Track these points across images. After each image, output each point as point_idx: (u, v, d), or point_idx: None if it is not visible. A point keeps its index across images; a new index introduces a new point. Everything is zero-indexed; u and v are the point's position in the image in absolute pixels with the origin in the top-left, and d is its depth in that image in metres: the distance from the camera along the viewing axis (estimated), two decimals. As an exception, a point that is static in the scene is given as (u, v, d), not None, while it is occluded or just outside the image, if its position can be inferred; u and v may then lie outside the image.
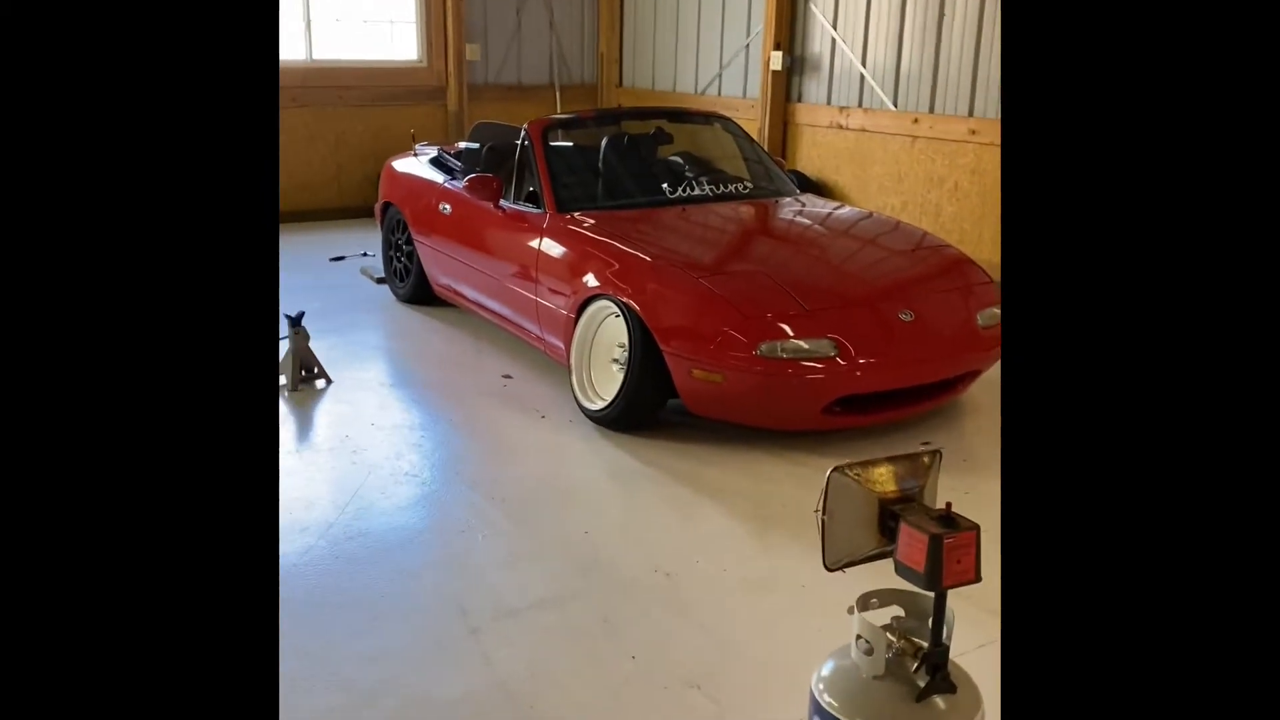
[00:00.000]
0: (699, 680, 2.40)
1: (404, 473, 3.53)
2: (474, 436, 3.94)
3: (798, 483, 3.50)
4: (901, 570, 1.75)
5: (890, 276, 4.05)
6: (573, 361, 4.06)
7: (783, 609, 2.72)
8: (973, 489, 3.41)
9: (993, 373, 4.14)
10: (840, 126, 6.92)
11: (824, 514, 1.82)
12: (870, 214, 4.81)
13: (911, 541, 1.72)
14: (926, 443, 3.83)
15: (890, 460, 1.85)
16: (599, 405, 3.92)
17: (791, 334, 3.56)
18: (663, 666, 2.45)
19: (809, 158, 7.20)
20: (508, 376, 4.52)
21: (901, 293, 3.87)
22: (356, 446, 3.72)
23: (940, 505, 1.80)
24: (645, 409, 3.84)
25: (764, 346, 3.52)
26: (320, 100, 7.71)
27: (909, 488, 1.84)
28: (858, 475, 1.82)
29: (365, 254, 6.66)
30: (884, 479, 1.84)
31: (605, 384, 3.98)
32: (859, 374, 3.57)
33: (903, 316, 3.72)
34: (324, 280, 6.02)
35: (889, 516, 1.81)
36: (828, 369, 3.54)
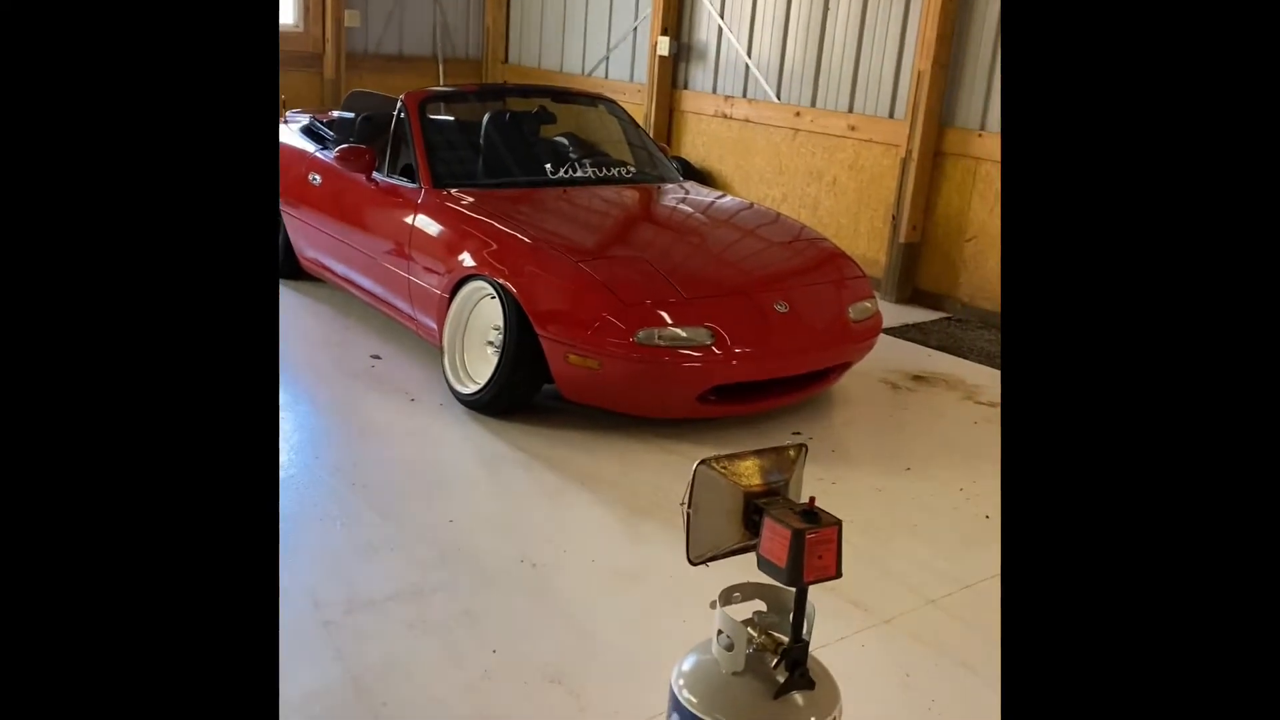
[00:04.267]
0: (560, 674, 2.34)
1: (259, 456, 3.34)
2: (338, 419, 3.77)
3: (669, 471, 3.48)
4: (764, 565, 1.73)
5: (767, 268, 4.07)
6: (445, 343, 3.93)
7: (650, 601, 2.69)
8: (840, 480, 3.46)
9: (862, 364, 4.22)
10: (725, 115, 6.94)
11: (689, 507, 1.79)
12: (751, 205, 4.83)
13: (774, 536, 1.70)
14: (797, 432, 3.87)
15: (756, 454, 1.83)
16: (471, 389, 3.81)
17: (670, 322, 3.53)
18: (524, 660, 2.39)
19: (693, 145, 7.20)
20: (376, 357, 4.36)
21: (778, 284, 3.89)
22: (208, 427, 3.51)
23: (806, 498, 1.79)
24: (519, 394, 3.75)
25: (642, 334, 3.48)
26: (184, 58, 7.26)
27: (775, 481, 1.83)
28: (724, 468, 1.79)
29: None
30: (749, 472, 1.82)
31: (478, 367, 3.87)
32: (734, 363, 3.57)
33: (778, 308, 3.74)
34: (183, 250, 5.68)
35: (754, 510, 1.79)
36: (704, 358, 3.53)
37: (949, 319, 5.61)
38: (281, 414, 3.70)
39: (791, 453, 1.85)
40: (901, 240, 5.85)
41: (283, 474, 3.24)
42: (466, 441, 3.64)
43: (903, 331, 5.24)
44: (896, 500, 3.39)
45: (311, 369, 4.22)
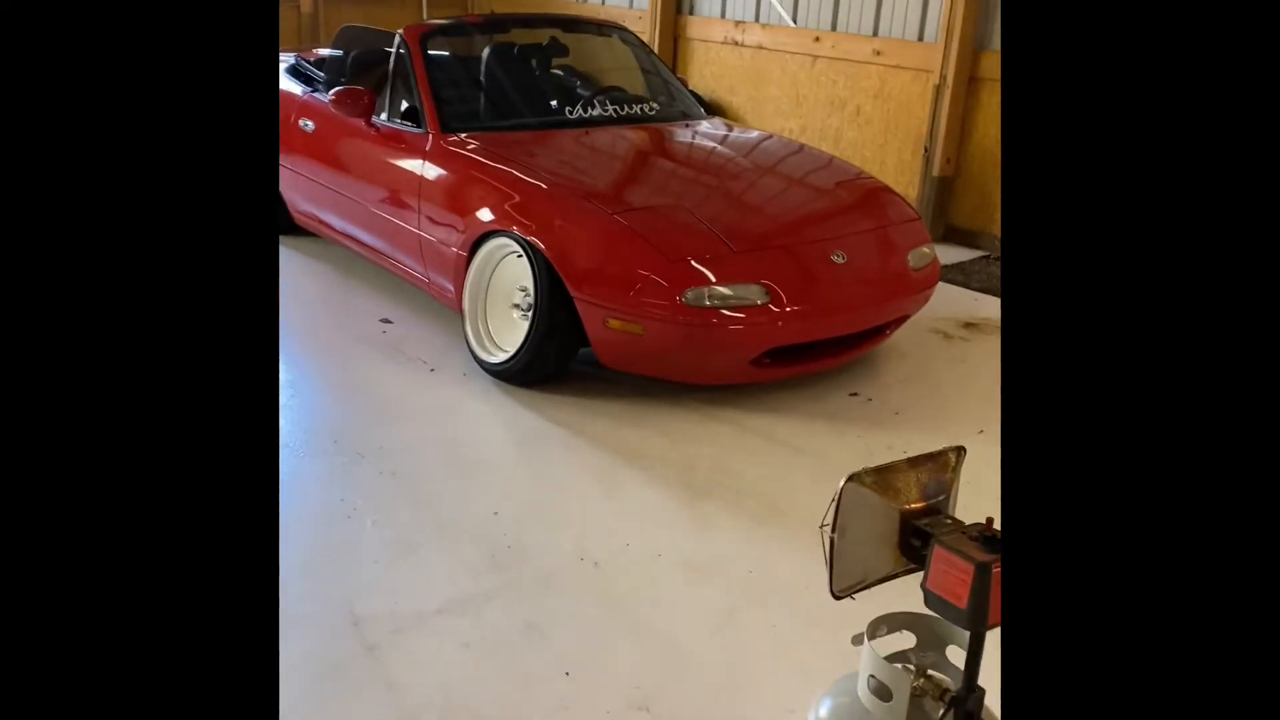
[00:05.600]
0: (647, 700, 2.05)
1: (273, 444, 3.00)
2: (353, 396, 3.43)
3: (722, 442, 3.17)
4: (934, 602, 1.42)
5: (819, 213, 3.71)
6: (466, 307, 3.57)
7: (730, 600, 2.40)
8: (912, 447, 3.16)
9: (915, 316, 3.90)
10: (735, 43, 6.49)
11: (832, 531, 1.48)
12: (801, 146, 4.41)
13: (949, 570, 1.39)
14: (854, 393, 3.56)
15: (911, 463, 1.51)
16: (500, 358, 3.46)
17: (718, 279, 3.18)
18: (602, 684, 2.09)
19: (701, 76, 6.75)
20: (387, 321, 3.99)
21: (832, 232, 3.54)
22: (212, 412, 3.16)
23: (969, 516, 1.48)
24: (553, 363, 3.41)
25: (690, 294, 3.13)
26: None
27: (935, 497, 1.51)
28: (875, 484, 1.48)
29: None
30: (906, 487, 1.50)
31: (505, 333, 3.52)
32: (790, 323, 3.24)
33: (835, 259, 3.40)
34: (162, 205, 5.24)
35: (913, 533, 1.48)
36: (757, 318, 3.19)
37: (987, 257, 5.28)
38: (288, 393, 3.35)
39: (951, 457, 1.54)
40: (935, 174, 5.48)
41: (297, 463, 2.91)
42: (497, 417, 3.30)
43: (944, 274, 4.91)
44: (979, 471, 3.09)
45: (316, 338, 3.85)
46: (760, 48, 6.34)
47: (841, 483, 1.45)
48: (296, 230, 4.79)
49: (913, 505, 1.49)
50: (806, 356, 3.42)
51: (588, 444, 3.12)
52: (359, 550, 2.52)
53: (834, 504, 1.45)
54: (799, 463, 3.07)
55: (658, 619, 2.31)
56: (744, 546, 2.60)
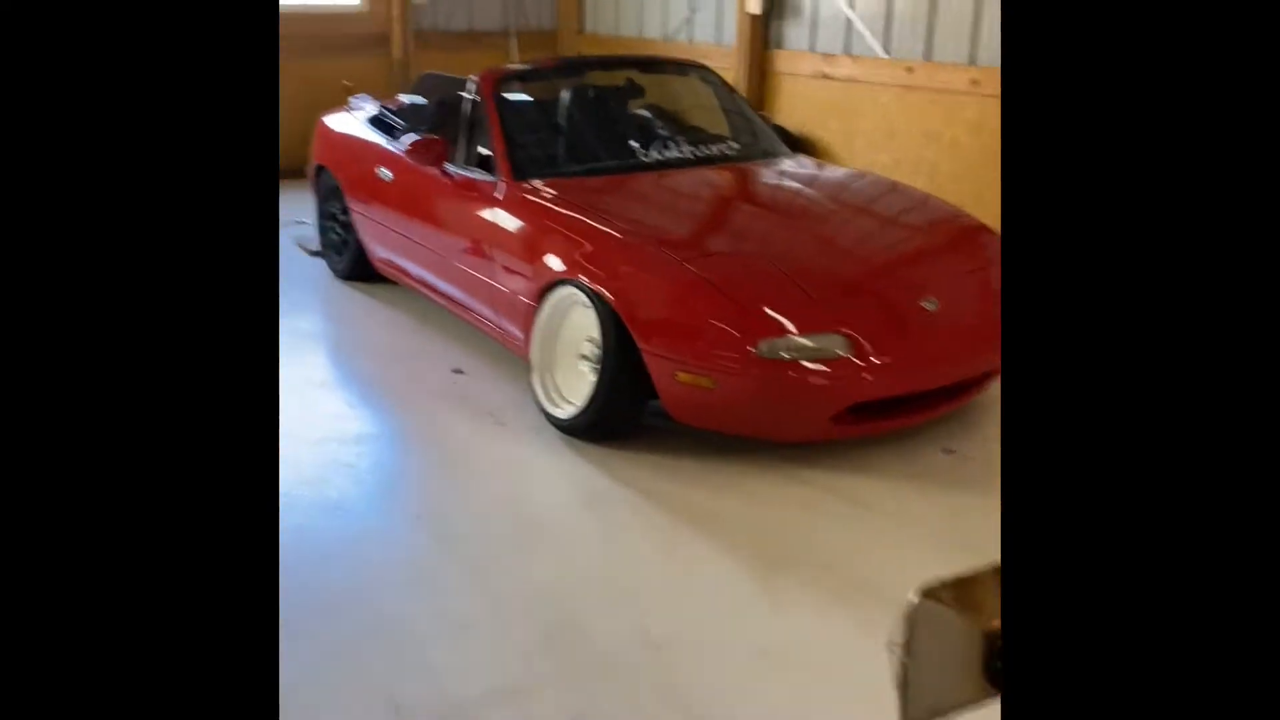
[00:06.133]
0: (705, 811, 1.85)
1: (330, 503, 2.91)
2: (419, 452, 3.33)
3: (802, 508, 2.94)
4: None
5: (907, 256, 3.47)
6: (534, 359, 3.44)
7: (808, 694, 2.17)
8: (1012, 513, 2.88)
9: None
10: (824, 76, 6.28)
11: (904, 654, 1.26)
12: (892, 184, 4.17)
13: (1043, 708, 1.15)
14: (949, 450, 3.29)
15: (997, 573, 1.29)
16: (567, 412, 3.32)
17: (796, 329, 2.98)
18: (657, 789, 1.90)
19: (789, 111, 6.56)
20: (459, 371, 3.91)
21: (922, 276, 3.29)
22: (274, 470, 3.09)
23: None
24: (621, 417, 3.25)
25: (763, 345, 2.93)
26: (247, 48, 6.89)
27: (1025, 614, 1.28)
28: (953, 599, 1.25)
29: (300, 222, 5.95)
30: (987, 600, 1.28)
31: (573, 385, 3.38)
32: (875, 377, 3.00)
33: (925, 305, 3.15)
34: (251, 253, 5.31)
35: (1000, 656, 1.25)
36: (839, 371, 2.96)
37: (1098, 297, 4.91)
38: (355, 448, 3.27)
39: (1044, 568, 1.30)
40: (1038, 208, 5.15)
41: (356, 527, 2.81)
42: (563, 475, 3.15)
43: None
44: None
45: (387, 389, 3.79)
46: (851, 80, 6.12)
47: (913, 599, 1.23)
48: (375, 277, 4.78)
49: (997, 625, 1.26)
50: (894, 412, 3.17)
51: (656, 506, 2.94)
52: (407, 627, 2.38)
53: (904, 622, 1.23)
54: (886, 530, 2.82)
55: (720, 714, 2.10)
56: (822, 630, 2.38)
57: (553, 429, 3.38)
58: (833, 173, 4.28)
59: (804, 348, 2.96)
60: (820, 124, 6.38)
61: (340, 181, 4.76)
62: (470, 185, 3.89)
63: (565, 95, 4.15)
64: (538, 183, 3.73)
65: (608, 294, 3.12)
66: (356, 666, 2.23)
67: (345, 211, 4.77)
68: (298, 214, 6.03)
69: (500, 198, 3.72)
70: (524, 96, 4.31)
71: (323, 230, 5.09)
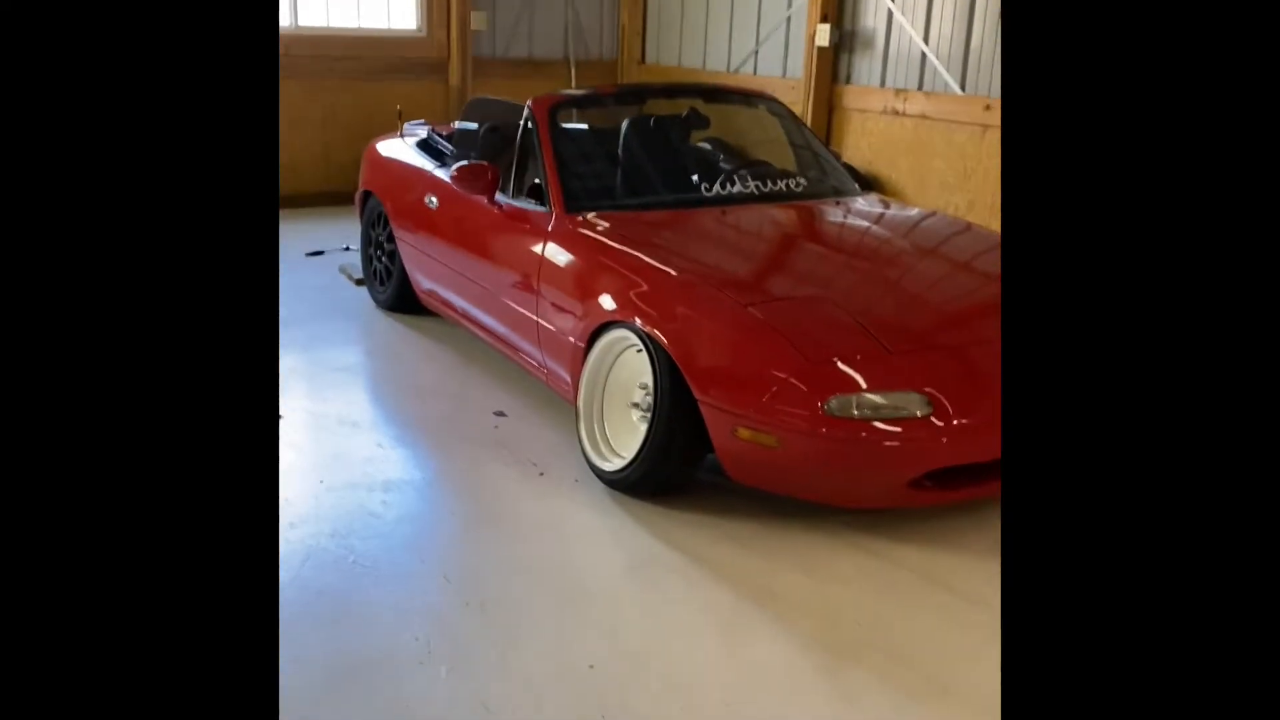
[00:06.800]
0: None
1: (351, 561, 2.66)
2: (451, 503, 3.08)
3: (874, 584, 2.63)
4: None
5: (992, 305, 3.15)
6: (581, 405, 3.19)
7: (877, 818, 1.85)
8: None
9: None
10: (896, 112, 6.00)
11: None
12: (969, 225, 3.87)
13: None
14: (1036, 524, 2.95)
15: None
16: (615, 465, 3.05)
17: (869, 386, 2.68)
18: None
19: (858, 148, 6.29)
20: (500, 414, 3.66)
21: (1010, 330, 2.97)
22: (294, 518, 2.86)
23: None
24: (673, 473, 2.97)
25: (834, 402, 2.64)
26: (307, 71, 6.82)
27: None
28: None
29: (347, 248, 5.80)
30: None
31: (623, 436, 3.11)
32: (957, 439, 2.69)
33: (1015, 363, 2.83)
34: (297, 279, 5.16)
35: None
36: (917, 433, 2.66)
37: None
38: (384, 496, 3.03)
39: None
40: (1127, 257, 4.79)
41: (377, 588, 2.55)
42: (608, 535, 2.88)
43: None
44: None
45: (425, 432, 3.55)
46: (924, 117, 5.83)
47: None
48: (419, 309, 4.58)
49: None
50: (977, 478, 2.84)
51: (709, 576, 2.64)
52: (422, 711, 2.11)
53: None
54: (963, 615, 2.50)
55: (781, 840, 1.80)
56: (896, 735, 2.06)
57: (596, 482, 3.11)
58: (905, 213, 3.99)
59: (879, 406, 2.66)
60: (890, 163, 6.09)
61: (386, 208, 4.58)
62: (520, 216, 3.67)
63: (624, 124, 3.92)
64: (592, 215, 3.49)
65: (663, 338, 2.86)
66: (364, 757, 1.96)
67: (391, 239, 4.58)
68: (347, 240, 5.88)
69: (551, 230, 3.49)
70: (580, 124, 4.09)
71: (366, 259, 4.91)
